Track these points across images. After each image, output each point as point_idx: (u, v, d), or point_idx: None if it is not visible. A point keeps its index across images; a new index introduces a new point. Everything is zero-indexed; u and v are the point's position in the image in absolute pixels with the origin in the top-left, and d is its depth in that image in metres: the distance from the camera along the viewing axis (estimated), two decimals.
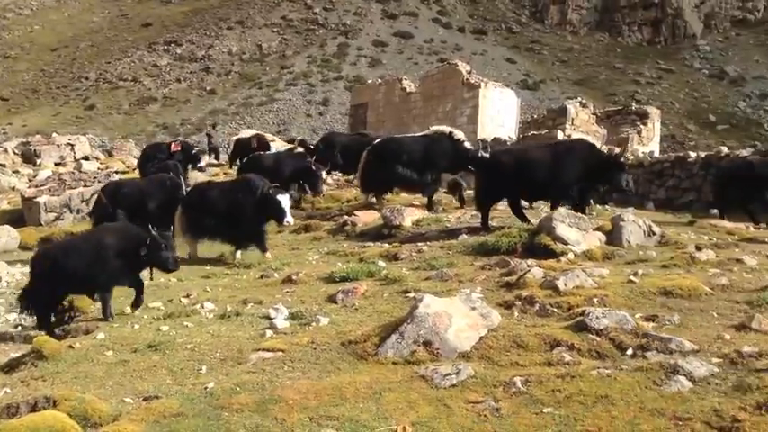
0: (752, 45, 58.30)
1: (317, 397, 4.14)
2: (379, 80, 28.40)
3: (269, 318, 6.28)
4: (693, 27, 60.09)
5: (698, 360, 4.17)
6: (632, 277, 6.38)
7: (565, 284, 6.01)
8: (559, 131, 18.69)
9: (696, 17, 60.21)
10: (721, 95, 56.04)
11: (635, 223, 8.68)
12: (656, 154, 18.23)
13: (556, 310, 5.59)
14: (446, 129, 12.92)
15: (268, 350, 5.19)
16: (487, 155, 11.60)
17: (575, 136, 19.59)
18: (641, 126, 22.75)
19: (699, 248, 7.83)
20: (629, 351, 4.55)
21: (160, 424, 4.05)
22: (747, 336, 4.79)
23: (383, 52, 67.93)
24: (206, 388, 4.57)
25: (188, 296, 7.87)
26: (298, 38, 72.60)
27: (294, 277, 8.00)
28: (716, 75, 57.48)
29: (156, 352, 5.61)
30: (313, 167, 14.16)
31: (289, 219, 10.72)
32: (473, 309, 5.12)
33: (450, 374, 4.29)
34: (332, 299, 6.79)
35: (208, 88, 65.66)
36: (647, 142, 22.56)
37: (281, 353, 5.11)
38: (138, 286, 7.63)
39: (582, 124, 20.54)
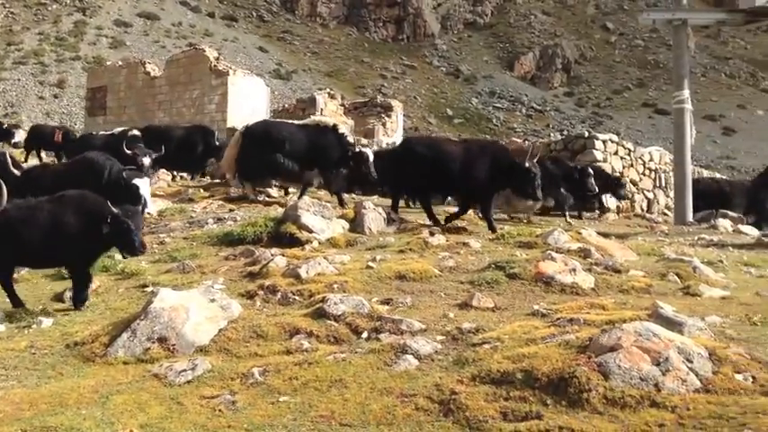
0: (482, 46, 63.97)
1: (32, 406, 3.75)
2: (120, 62, 26.57)
3: None
4: (432, 27, 64.49)
5: (424, 339, 4.45)
6: (371, 263, 6.66)
7: (307, 272, 6.11)
8: None
9: (434, 18, 64.69)
10: (457, 92, 60.73)
11: (376, 211, 9.09)
12: None
13: (297, 298, 5.65)
14: (329, 120, 12.22)
15: None
16: (368, 150, 11.41)
17: None
18: (386, 118, 23.98)
19: (432, 234, 8.42)
20: (365, 334, 4.73)
21: None
22: (468, 313, 5.22)
23: (126, 33, 63.95)
24: None
25: None
26: (27, 12, 65.70)
27: (15, 275, 7.21)
28: (452, 72, 62.22)
29: None
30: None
31: (151, 208, 9.27)
32: (212, 301, 4.99)
33: (185, 371, 4.13)
34: (59, 297, 6.24)
35: None
36: (392, 133, 23.80)
37: None
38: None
39: (331, 114, 21.10)
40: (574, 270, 6.19)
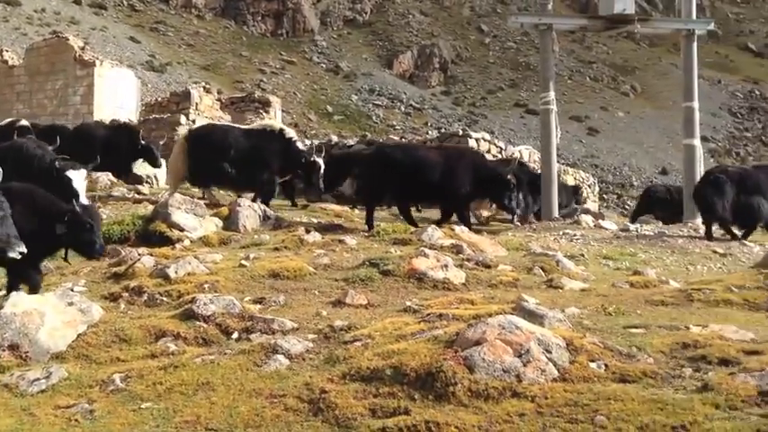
0: (361, 44, 64.38)
1: None
2: None
3: None
4: (311, 23, 64.24)
5: (296, 338, 4.41)
6: (244, 261, 6.54)
7: (176, 272, 5.91)
8: (183, 116, 18.43)
9: (314, 13, 64.48)
10: (337, 88, 60.83)
11: (251, 208, 8.94)
12: None
13: (165, 299, 5.46)
14: (276, 125, 11.54)
15: None
16: (320, 159, 10.88)
17: (199, 121, 19.55)
18: (264, 114, 23.60)
19: (308, 231, 8.37)
20: (235, 335, 4.64)
21: None
22: (342, 311, 5.23)
23: None
24: None
25: None
26: None
27: None
28: (332, 69, 62.27)
29: None
30: None
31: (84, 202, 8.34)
32: (71, 304, 4.72)
33: (39, 379, 3.88)
34: None
35: None
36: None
37: None
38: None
39: (206, 109, 20.53)
40: (446, 266, 6.33)
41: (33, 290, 5.43)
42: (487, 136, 15.74)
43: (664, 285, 6.22)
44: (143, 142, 13.32)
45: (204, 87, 21.89)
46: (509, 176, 9.65)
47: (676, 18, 14.99)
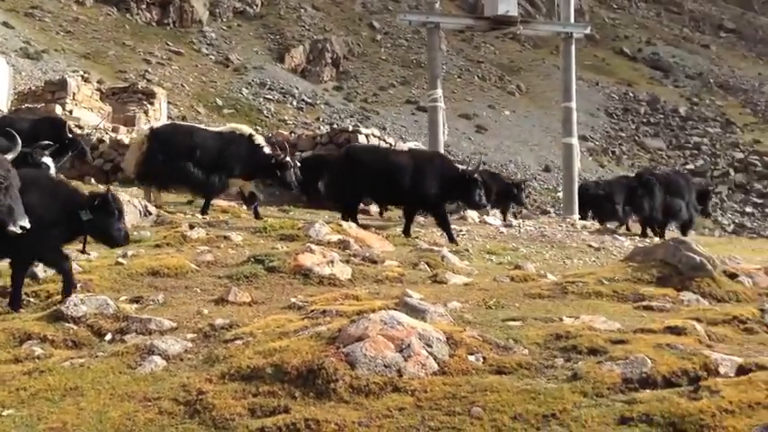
0: (252, 36, 63.24)
1: None
2: None
3: None
4: (200, 13, 62.54)
5: (174, 338, 4.26)
6: (121, 259, 6.27)
7: (45, 271, 5.59)
8: (59, 106, 17.48)
9: (202, 4, 62.78)
10: (227, 81, 59.46)
11: (131, 204, 8.58)
12: None
13: (33, 300, 5.17)
14: (246, 129, 11.11)
15: None
16: (290, 159, 10.66)
17: (77, 112, 18.60)
18: (148, 105, 22.73)
19: (192, 227, 8.13)
20: (108, 337, 4.43)
21: None
22: (224, 309, 5.10)
23: None
24: None
25: None
26: None
27: None
28: (221, 62, 60.82)
29: None
30: None
31: None
32: None
33: None
34: None
35: None
36: (155, 122, 22.68)
37: None
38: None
39: (85, 100, 19.54)
40: (332, 262, 6.31)
41: (66, 276, 5.24)
42: (377, 132, 15.82)
43: (542, 279, 6.45)
44: (71, 135, 12.56)
45: (82, 76, 20.85)
46: (475, 176, 10.08)
47: (556, 21, 15.63)
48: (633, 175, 14.86)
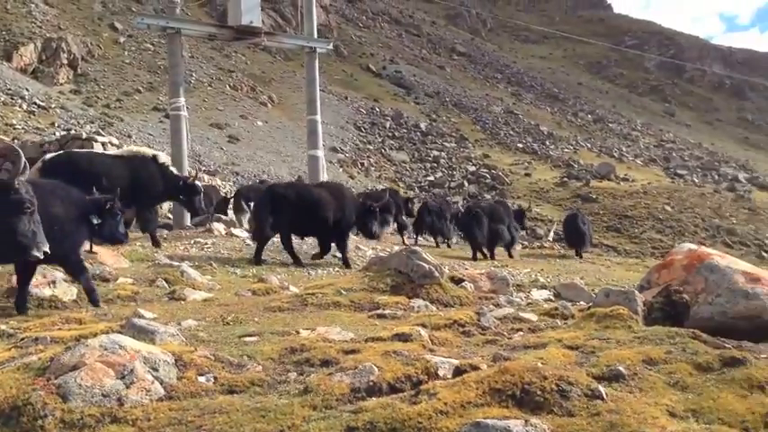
0: None
1: None
2: None
3: None
4: None
5: None
6: None
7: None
8: None
9: None
10: None
11: None
12: None
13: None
14: (147, 151, 10.10)
15: None
16: (200, 184, 10.32)
17: None
18: None
19: None
20: None
21: None
22: None
23: None
24: None
25: None
26: None
27: None
28: None
29: None
30: None
31: None
32: None
33: None
34: None
35: None
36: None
37: None
38: None
39: None
40: (53, 282, 5.75)
41: (86, 282, 5.60)
42: (115, 140, 14.89)
43: (284, 291, 6.46)
44: None
45: None
46: (375, 207, 10.62)
47: (301, 36, 15.90)
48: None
